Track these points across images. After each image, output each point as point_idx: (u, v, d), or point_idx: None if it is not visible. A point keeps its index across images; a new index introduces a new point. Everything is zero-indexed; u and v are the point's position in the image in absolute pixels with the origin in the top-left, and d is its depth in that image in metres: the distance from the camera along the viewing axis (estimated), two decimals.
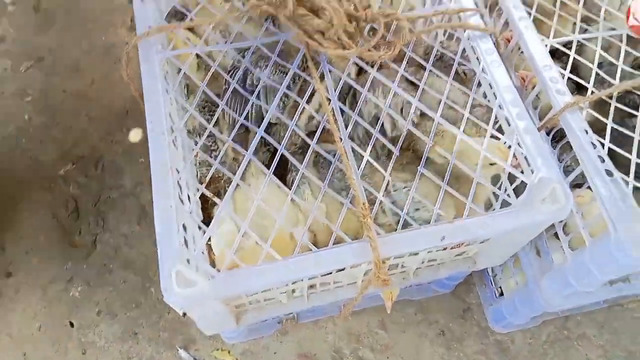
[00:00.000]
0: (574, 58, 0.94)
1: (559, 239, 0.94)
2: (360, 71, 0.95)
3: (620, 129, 0.86)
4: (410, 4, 0.98)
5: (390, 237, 0.74)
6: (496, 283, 1.24)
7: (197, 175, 0.95)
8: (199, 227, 0.80)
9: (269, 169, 0.83)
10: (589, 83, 0.89)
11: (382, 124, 0.87)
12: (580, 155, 0.83)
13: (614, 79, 0.90)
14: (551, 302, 1.00)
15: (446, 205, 0.83)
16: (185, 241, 0.74)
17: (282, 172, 0.94)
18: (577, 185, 0.91)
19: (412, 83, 0.91)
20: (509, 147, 0.83)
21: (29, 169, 1.39)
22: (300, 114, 0.83)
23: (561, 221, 0.94)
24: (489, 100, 0.88)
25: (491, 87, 0.87)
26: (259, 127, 0.87)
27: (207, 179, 0.82)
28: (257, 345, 1.22)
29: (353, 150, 0.82)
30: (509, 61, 1.02)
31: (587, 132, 0.83)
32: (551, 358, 1.26)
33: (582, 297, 1.00)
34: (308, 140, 0.82)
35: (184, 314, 1.20)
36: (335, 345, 1.23)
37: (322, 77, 0.86)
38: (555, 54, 0.98)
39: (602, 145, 0.83)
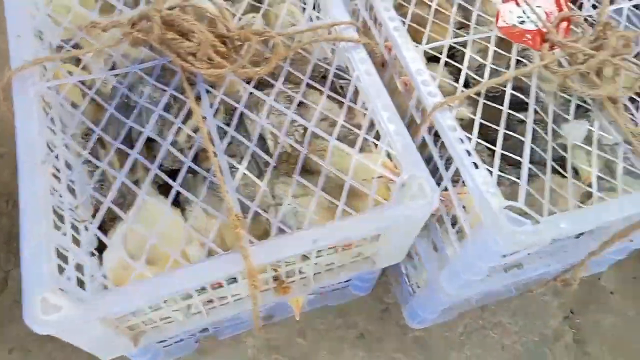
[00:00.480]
0: (459, 61, 0.99)
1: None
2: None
3: (488, 124, 0.91)
4: (294, 22, 1.01)
5: (262, 245, 0.76)
6: (410, 281, 1.28)
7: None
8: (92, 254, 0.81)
9: (166, 189, 0.84)
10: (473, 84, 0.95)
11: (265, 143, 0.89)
12: (450, 151, 0.87)
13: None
14: (449, 292, 1.03)
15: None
16: (62, 268, 0.74)
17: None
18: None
19: (300, 103, 0.93)
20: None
21: None
22: (177, 133, 0.85)
23: (449, 215, 0.98)
24: (366, 109, 0.91)
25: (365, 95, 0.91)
26: (148, 148, 0.88)
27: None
28: None
29: (233, 165, 0.84)
30: (394, 68, 1.06)
31: (455, 130, 0.88)
32: (468, 348, 1.30)
33: (477, 285, 1.04)
34: (183, 158, 0.83)
35: None
36: (255, 358, 1.24)
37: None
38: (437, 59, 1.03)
39: (470, 140, 0.88)
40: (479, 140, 0.89)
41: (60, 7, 0.94)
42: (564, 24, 1.04)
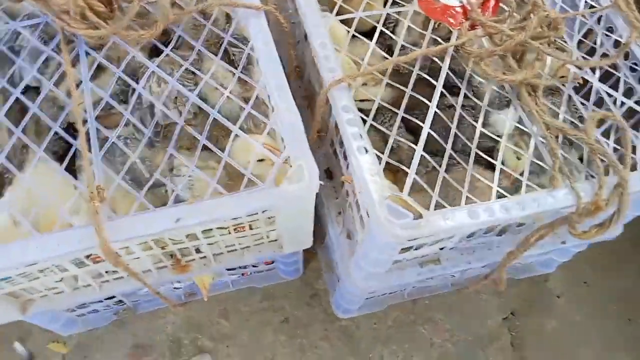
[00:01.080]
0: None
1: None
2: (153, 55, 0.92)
3: (388, 105, 0.85)
4: None
5: (120, 220, 0.72)
6: (338, 268, 1.23)
7: None
8: None
9: (63, 157, 0.81)
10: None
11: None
12: (341, 132, 0.82)
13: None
14: (358, 284, 0.99)
15: None
16: None
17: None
18: None
19: (193, 73, 0.87)
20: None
21: None
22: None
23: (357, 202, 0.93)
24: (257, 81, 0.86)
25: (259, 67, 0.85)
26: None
27: None
28: (92, 336, 1.20)
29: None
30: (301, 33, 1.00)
31: (349, 110, 0.82)
32: (395, 342, 1.25)
33: (386, 278, 0.99)
34: (50, 122, 0.79)
35: None
36: (174, 335, 1.22)
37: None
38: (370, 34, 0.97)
39: (365, 122, 0.82)
40: (373, 123, 0.83)
41: None
42: (492, 3, 0.96)
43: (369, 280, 0.97)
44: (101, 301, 1.10)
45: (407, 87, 0.87)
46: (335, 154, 1.01)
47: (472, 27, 0.90)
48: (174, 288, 1.18)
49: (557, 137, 0.84)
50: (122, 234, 0.72)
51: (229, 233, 0.90)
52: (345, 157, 0.97)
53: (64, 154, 0.82)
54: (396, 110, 0.84)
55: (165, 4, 0.82)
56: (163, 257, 0.91)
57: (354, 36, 0.94)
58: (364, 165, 0.77)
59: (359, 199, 0.86)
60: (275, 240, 0.99)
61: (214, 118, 0.81)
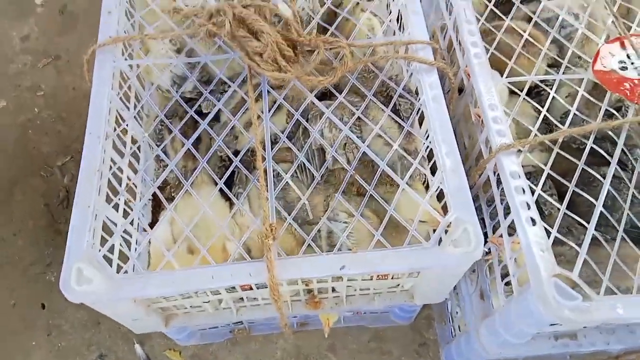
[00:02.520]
0: (543, 103, 0.91)
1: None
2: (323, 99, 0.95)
3: (558, 177, 0.83)
4: (371, 35, 0.99)
5: (290, 260, 0.75)
6: (453, 322, 1.21)
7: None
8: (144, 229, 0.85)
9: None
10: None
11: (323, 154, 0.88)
12: (509, 199, 0.80)
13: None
14: (488, 349, 0.96)
15: None
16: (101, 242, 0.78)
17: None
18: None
19: (359, 119, 0.90)
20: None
21: (30, 157, 1.50)
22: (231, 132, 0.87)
23: (500, 265, 0.91)
24: (427, 137, 0.87)
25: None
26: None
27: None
28: (207, 350, 1.25)
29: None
30: (471, 97, 1.00)
31: (518, 177, 0.81)
32: None
33: (519, 348, 0.96)
34: (232, 157, 0.84)
35: None
36: None
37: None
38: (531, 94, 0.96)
39: (533, 192, 0.80)
40: (544, 194, 0.81)
41: None
42: None
43: (502, 348, 0.94)
44: None
45: (577, 161, 0.84)
46: (478, 210, 0.99)
47: None
48: (292, 316, 1.21)
49: None
50: (289, 273, 0.74)
51: (371, 279, 0.91)
52: (492, 218, 0.95)
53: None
54: (566, 182, 0.81)
55: (347, 52, 0.85)
56: (302, 291, 0.94)
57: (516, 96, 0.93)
58: (532, 238, 0.75)
59: (509, 265, 0.84)
60: (408, 290, 0.99)
61: (380, 171, 0.83)
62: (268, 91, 0.89)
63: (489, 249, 0.96)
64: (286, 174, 0.87)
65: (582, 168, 0.83)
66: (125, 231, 0.87)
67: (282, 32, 0.85)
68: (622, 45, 0.96)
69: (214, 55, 0.92)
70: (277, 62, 0.83)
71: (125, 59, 0.93)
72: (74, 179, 1.47)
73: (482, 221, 0.97)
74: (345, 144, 0.86)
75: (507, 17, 1.01)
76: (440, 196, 0.82)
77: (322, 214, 0.86)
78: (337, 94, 0.90)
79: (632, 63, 0.93)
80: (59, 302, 1.31)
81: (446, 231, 0.76)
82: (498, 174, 0.89)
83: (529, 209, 0.78)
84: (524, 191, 0.79)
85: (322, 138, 0.87)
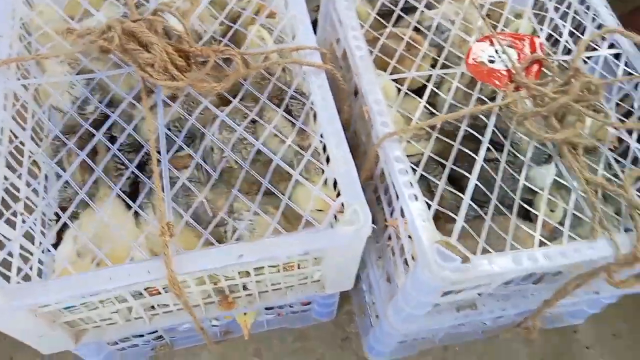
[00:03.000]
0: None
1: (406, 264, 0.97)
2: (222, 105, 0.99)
3: (438, 158, 0.92)
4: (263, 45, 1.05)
5: (188, 254, 0.78)
6: (371, 312, 1.26)
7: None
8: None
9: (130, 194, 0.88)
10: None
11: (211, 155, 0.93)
12: (393, 180, 0.88)
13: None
14: (395, 325, 1.02)
15: None
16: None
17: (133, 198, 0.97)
18: None
19: (255, 121, 0.95)
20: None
21: None
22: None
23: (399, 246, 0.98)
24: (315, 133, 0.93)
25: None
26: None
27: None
28: None
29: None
30: (363, 98, 1.08)
31: (401, 161, 0.88)
32: None
33: (423, 321, 1.02)
34: (127, 163, 0.86)
35: None
36: None
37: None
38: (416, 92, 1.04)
39: (415, 171, 0.88)
40: (425, 173, 0.89)
41: (44, 12, 1.01)
42: (536, 67, 1.04)
43: (407, 323, 1.01)
44: (142, 335, 1.13)
45: (453, 143, 0.93)
46: (379, 200, 1.07)
47: (517, 89, 0.97)
48: (212, 325, 1.22)
49: (596, 191, 0.89)
50: (188, 266, 0.77)
51: (278, 271, 0.94)
52: (389, 204, 1.02)
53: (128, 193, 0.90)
54: (444, 162, 0.89)
55: (238, 60, 0.90)
56: (212, 292, 0.96)
57: (404, 94, 1.02)
58: (415, 212, 0.82)
59: (404, 243, 0.91)
60: (318, 280, 1.04)
61: (273, 165, 0.87)
62: (164, 101, 0.92)
63: (389, 235, 1.03)
64: (191, 179, 0.90)
65: (462, 151, 0.92)
66: (24, 249, 0.87)
67: (174, 43, 0.90)
68: (491, 43, 1.07)
69: (108, 71, 0.94)
70: (168, 71, 0.87)
71: (18, 79, 0.93)
72: None
73: (382, 210, 1.05)
74: (236, 144, 0.91)
75: (392, 26, 1.11)
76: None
77: (228, 216, 0.89)
78: (231, 98, 0.94)
79: (500, 57, 1.05)
80: None
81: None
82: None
83: (412, 187, 0.85)
84: (407, 172, 0.87)
85: (218, 140, 0.92)
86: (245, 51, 0.96)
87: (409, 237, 0.89)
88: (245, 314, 1.11)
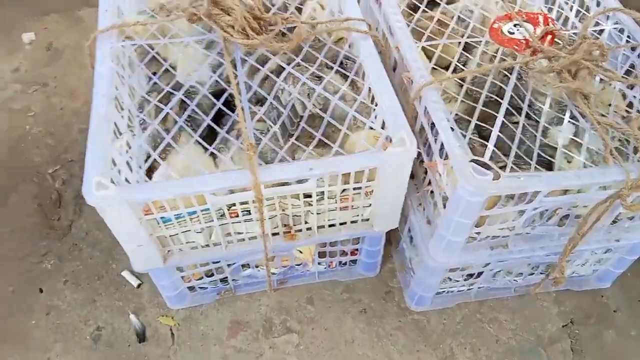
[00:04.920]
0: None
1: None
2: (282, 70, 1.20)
3: (469, 102, 1.09)
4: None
5: (269, 167, 0.95)
6: (411, 265, 1.40)
7: None
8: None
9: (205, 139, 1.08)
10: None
11: (293, 106, 1.12)
12: (433, 117, 1.05)
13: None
14: (435, 256, 1.16)
15: None
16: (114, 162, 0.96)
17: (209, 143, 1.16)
18: None
19: (318, 78, 1.15)
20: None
21: (22, 167, 1.66)
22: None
23: (438, 186, 1.13)
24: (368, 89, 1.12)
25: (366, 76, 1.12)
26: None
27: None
28: (197, 312, 1.39)
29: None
30: (402, 66, 1.27)
31: (438, 102, 1.06)
32: (463, 336, 1.37)
33: (461, 253, 1.16)
34: (215, 101, 1.06)
35: (139, 285, 1.41)
36: (266, 315, 1.39)
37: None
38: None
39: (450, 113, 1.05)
40: (460, 114, 1.06)
41: None
42: (549, 38, 1.21)
43: (447, 254, 1.15)
44: (212, 274, 1.30)
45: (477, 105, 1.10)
46: (418, 155, 1.24)
47: (534, 53, 1.15)
48: (272, 273, 1.37)
49: (606, 130, 1.05)
50: (268, 176, 0.94)
51: (335, 202, 1.11)
52: (427, 154, 1.19)
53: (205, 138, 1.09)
54: (469, 119, 1.06)
55: (300, 25, 1.11)
56: (279, 222, 1.13)
57: (434, 68, 1.21)
58: (452, 140, 0.99)
59: (443, 179, 1.07)
60: (367, 219, 1.20)
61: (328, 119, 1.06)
62: (242, 58, 1.13)
63: (429, 180, 1.19)
64: (261, 131, 1.10)
65: (486, 112, 1.08)
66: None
67: (249, 10, 1.11)
68: (510, 20, 1.26)
69: (194, 36, 1.16)
70: (245, 31, 1.08)
71: (123, 41, 1.16)
72: (64, 183, 1.64)
73: (421, 164, 1.22)
74: (308, 94, 1.10)
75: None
76: None
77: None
78: (295, 57, 1.15)
79: (518, 29, 1.24)
80: (56, 286, 1.43)
81: None
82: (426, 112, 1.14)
83: (448, 121, 1.02)
84: (443, 111, 1.04)
85: (291, 95, 1.11)
86: (306, 20, 1.17)
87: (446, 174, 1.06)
88: (301, 252, 1.26)
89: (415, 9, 1.36)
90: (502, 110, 1.06)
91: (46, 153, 1.70)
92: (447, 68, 1.21)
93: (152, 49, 1.16)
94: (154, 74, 1.15)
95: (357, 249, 1.35)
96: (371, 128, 1.07)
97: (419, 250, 1.26)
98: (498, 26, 1.24)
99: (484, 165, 0.95)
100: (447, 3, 1.37)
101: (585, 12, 1.32)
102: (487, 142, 1.00)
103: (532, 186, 0.96)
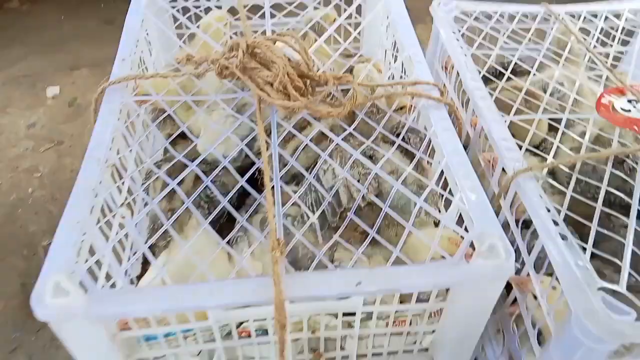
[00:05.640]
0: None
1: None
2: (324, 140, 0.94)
3: (581, 198, 0.78)
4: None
5: (299, 275, 0.67)
6: None
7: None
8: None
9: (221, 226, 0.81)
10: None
11: (337, 194, 0.85)
12: (533, 219, 0.75)
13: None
14: None
15: None
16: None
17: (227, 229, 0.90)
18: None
19: (370, 157, 0.88)
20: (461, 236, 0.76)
21: (14, 235, 1.43)
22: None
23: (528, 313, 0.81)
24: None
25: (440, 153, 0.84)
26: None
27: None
28: None
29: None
30: (477, 145, 0.99)
31: (541, 196, 0.76)
32: None
33: None
34: (239, 177, 0.80)
35: None
36: None
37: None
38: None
39: (559, 212, 0.75)
40: (568, 213, 0.76)
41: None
42: None
43: None
44: None
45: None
46: None
47: None
48: None
49: None
50: (298, 290, 0.65)
51: (387, 325, 0.80)
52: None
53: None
54: (592, 204, 0.76)
55: (356, 87, 0.86)
56: (306, 346, 0.82)
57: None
58: (566, 253, 0.68)
59: (542, 304, 0.75)
60: (427, 350, 0.87)
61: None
62: (279, 124, 0.88)
63: (514, 298, 0.87)
64: (294, 218, 0.82)
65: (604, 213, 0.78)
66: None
67: (294, 65, 0.87)
68: (622, 93, 0.98)
69: (223, 94, 0.93)
70: (286, 90, 0.84)
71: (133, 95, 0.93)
72: None
73: None
74: (359, 180, 0.82)
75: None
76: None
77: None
78: (347, 127, 0.89)
79: (634, 107, 0.95)
80: None
81: None
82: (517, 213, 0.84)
83: (556, 225, 0.72)
84: (549, 210, 0.74)
85: (336, 176, 0.84)
86: (363, 82, 0.92)
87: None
88: None
89: (494, 75, 1.10)
90: (634, 214, 0.74)
91: (44, 221, 1.47)
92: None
93: (170, 108, 0.93)
94: (170, 136, 0.92)
95: None
96: (436, 224, 0.78)
97: None
98: (609, 101, 0.96)
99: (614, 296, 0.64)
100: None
101: None
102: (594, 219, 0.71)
103: None
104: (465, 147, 1.03)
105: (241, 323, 0.76)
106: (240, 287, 0.66)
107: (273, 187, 0.76)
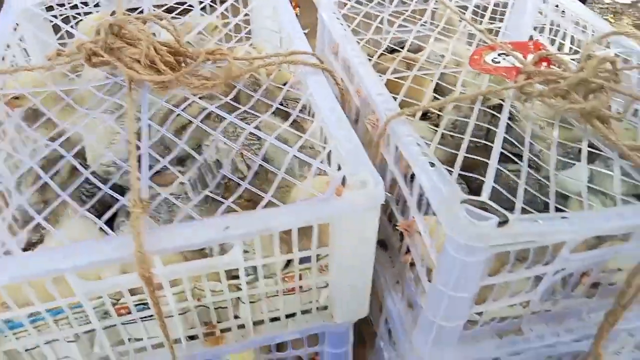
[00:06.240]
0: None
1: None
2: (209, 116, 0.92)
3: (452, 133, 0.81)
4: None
5: (162, 228, 0.64)
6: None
7: None
8: None
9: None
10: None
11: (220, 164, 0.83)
12: (406, 155, 0.76)
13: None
14: (422, 354, 0.81)
15: None
16: None
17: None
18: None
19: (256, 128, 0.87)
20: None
21: None
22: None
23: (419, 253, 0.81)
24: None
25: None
26: None
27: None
28: None
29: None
30: (365, 113, 1.01)
31: (411, 136, 0.78)
32: None
33: (458, 350, 0.80)
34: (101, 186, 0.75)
35: None
36: None
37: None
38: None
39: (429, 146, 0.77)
40: (438, 146, 0.77)
41: None
42: (544, 64, 0.98)
43: (438, 347, 0.79)
44: None
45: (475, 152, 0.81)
46: (390, 218, 0.94)
47: (528, 78, 0.90)
48: None
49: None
50: (162, 242, 0.62)
51: (276, 283, 0.77)
52: (402, 213, 0.89)
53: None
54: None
55: (231, 60, 0.86)
56: (196, 319, 0.78)
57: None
58: (435, 177, 0.69)
59: (426, 239, 0.75)
60: (326, 308, 0.85)
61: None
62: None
63: (407, 248, 0.87)
64: (177, 195, 0.79)
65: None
66: None
67: (162, 41, 0.86)
68: (492, 49, 1.03)
69: (93, 82, 0.90)
70: (155, 65, 0.83)
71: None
72: None
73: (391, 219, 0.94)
74: (242, 153, 0.81)
75: None
76: None
77: None
78: (223, 97, 0.88)
79: (504, 58, 1.00)
80: None
81: None
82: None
83: (426, 155, 0.73)
84: (419, 144, 0.76)
85: (219, 150, 0.83)
86: (243, 55, 0.93)
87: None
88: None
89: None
90: (495, 154, 0.76)
91: None
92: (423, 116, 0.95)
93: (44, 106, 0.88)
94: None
95: (316, 353, 0.97)
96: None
97: (399, 345, 0.89)
98: (479, 57, 1.01)
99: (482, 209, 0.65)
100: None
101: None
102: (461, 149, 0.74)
103: (558, 233, 0.65)
104: (357, 120, 1.06)
105: (118, 300, 0.72)
106: (99, 245, 0.62)
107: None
